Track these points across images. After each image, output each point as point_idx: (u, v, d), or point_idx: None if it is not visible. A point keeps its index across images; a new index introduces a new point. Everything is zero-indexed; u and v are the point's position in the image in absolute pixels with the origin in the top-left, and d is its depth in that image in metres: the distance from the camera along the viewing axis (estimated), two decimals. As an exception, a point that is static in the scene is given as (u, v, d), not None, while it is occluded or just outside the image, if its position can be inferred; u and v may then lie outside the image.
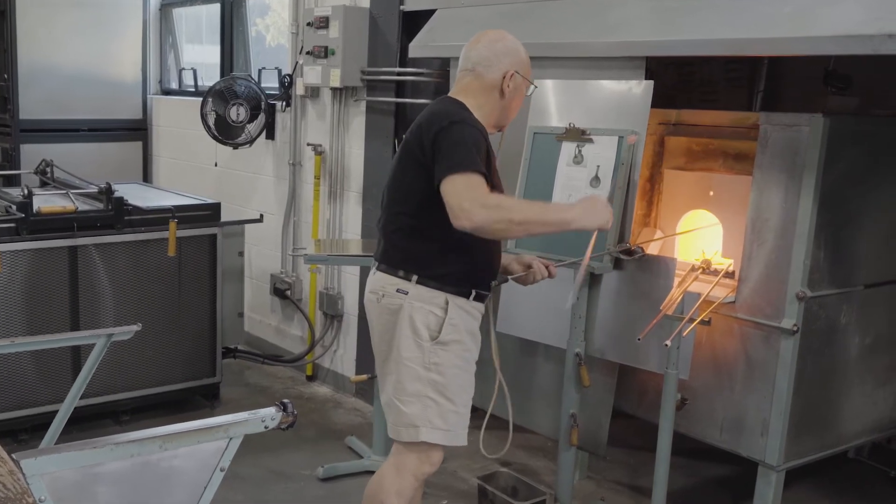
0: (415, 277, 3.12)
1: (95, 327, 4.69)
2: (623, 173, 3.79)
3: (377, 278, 3.23)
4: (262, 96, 6.12)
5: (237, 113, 6.02)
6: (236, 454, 2.20)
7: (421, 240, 3.14)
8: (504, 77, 3.21)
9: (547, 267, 3.39)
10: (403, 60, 5.20)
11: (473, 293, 3.18)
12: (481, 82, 3.22)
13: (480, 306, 3.25)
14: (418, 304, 3.12)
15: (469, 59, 3.26)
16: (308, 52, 5.54)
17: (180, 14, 7.84)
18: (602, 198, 3.19)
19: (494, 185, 3.07)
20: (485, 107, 3.21)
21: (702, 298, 3.70)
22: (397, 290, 3.14)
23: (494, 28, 3.35)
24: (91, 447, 1.97)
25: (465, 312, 3.18)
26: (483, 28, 3.35)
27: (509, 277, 3.38)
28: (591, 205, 3.12)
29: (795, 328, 3.66)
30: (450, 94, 3.28)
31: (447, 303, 3.13)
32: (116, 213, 4.96)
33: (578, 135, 3.91)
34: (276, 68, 6.35)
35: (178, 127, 7.51)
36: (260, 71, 6.47)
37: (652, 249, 4.18)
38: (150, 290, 5.11)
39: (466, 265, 3.16)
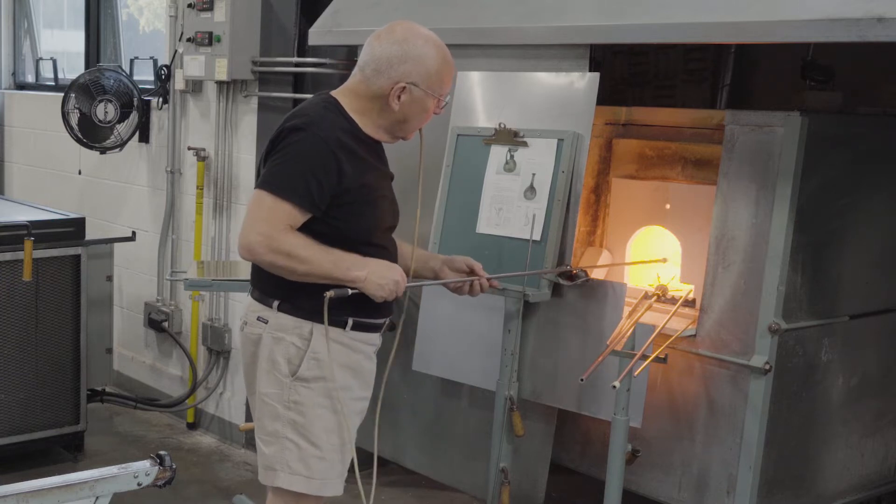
0: (276, 304, 3.20)
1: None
2: (563, 183, 3.82)
3: (247, 304, 3.36)
4: (135, 91, 6.08)
5: (105, 111, 5.96)
6: (104, 516, 2.21)
7: None
8: (392, 89, 3.17)
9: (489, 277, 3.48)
10: (302, 49, 5.20)
11: (350, 322, 3.20)
12: (368, 87, 3.21)
13: (369, 337, 3.29)
14: (279, 335, 3.20)
15: (364, 54, 3.24)
16: (189, 39, 5.54)
17: (38, -6, 7.91)
18: (399, 270, 3.18)
19: (369, 200, 3.15)
20: (370, 114, 3.22)
21: (657, 331, 3.69)
22: (258, 318, 3.24)
23: (411, 12, 3.35)
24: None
25: (339, 345, 3.21)
26: (397, 12, 3.33)
27: (443, 283, 3.42)
28: (382, 271, 3.13)
29: (768, 367, 3.65)
30: (334, 91, 3.29)
31: (311, 333, 3.18)
32: (-40, 231, 5.00)
33: (510, 137, 3.95)
34: (151, 58, 6.36)
35: (35, 127, 7.48)
36: (132, 61, 6.48)
37: (597, 273, 4.17)
38: (2, 321, 5.05)
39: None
